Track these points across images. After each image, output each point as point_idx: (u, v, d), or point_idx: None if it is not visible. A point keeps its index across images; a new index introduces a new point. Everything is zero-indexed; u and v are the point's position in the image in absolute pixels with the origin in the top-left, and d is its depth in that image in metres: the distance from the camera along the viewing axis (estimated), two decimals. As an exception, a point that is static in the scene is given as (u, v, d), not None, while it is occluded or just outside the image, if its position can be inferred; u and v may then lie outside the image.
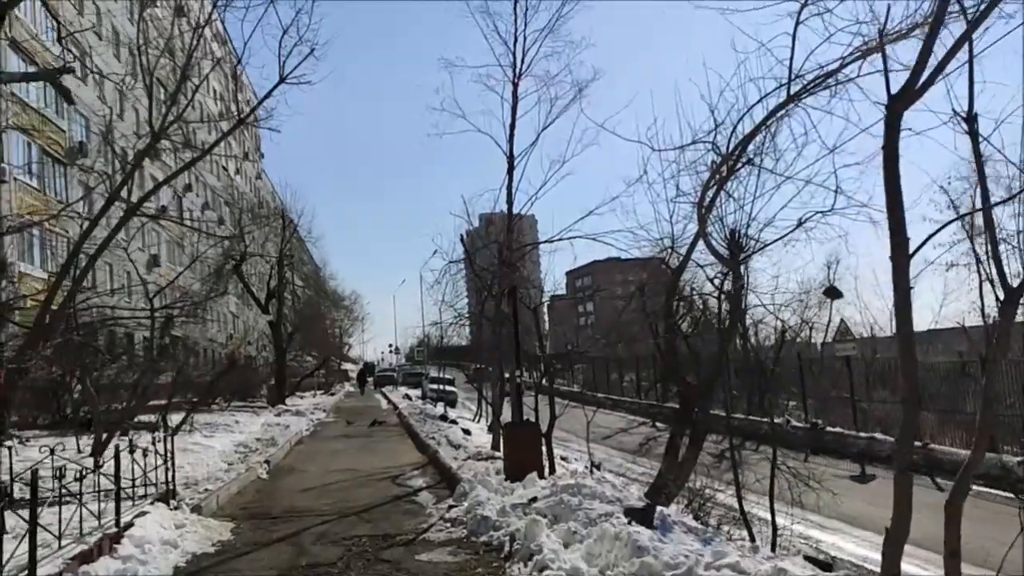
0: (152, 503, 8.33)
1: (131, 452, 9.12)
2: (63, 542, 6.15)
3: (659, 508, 8.11)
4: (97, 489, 7.39)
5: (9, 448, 10.02)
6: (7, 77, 6.45)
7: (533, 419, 14.38)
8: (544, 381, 13.47)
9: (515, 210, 14.98)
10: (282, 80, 16.99)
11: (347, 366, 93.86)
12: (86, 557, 6.11)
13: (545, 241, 14.80)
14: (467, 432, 20.70)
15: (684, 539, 7.59)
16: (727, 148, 13.97)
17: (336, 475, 13.03)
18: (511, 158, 14.98)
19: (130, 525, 7.22)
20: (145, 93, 16.64)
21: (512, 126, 15.04)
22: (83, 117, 33.00)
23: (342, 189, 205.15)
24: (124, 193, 17.10)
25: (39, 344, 14.19)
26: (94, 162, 28.82)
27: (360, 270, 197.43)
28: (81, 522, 6.59)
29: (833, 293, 30.33)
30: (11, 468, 8.65)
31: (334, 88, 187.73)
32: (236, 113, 17.35)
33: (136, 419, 18.23)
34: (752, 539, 10.38)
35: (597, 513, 7.42)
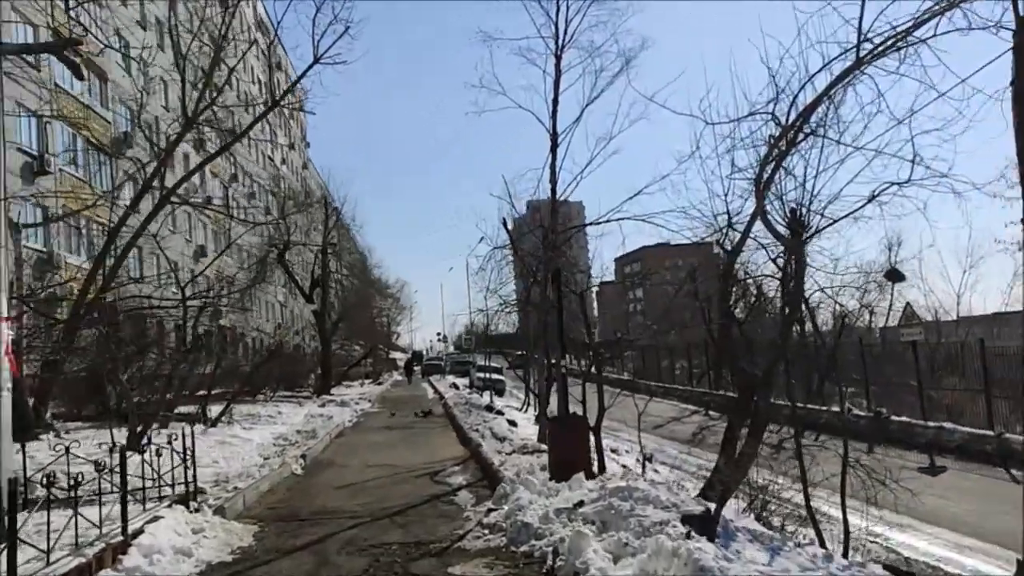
0: (170, 505, 7.76)
1: (150, 450, 8.62)
2: (58, 556, 5.55)
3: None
4: (116, 489, 6.90)
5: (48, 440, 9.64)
6: (5, 48, 5.97)
7: (580, 409, 13.63)
8: (592, 370, 12.64)
9: (559, 191, 14.18)
10: (316, 60, 16.49)
11: (395, 355, 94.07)
12: (82, 572, 5.52)
13: (592, 223, 13.96)
14: (513, 423, 19.99)
15: (750, 551, 6.75)
16: (787, 119, 12.97)
17: (373, 471, 12.42)
18: (554, 135, 14.15)
19: (139, 532, 6.64)
20: (179, 77, 16.29)
21: (555, 101, 14.21)
22: (127, 108, 33.06)
23: (385, 175, 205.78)
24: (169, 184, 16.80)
25: (73, 335, 13.90)
26: (138, 152, 28.82)
27: (407, 258, 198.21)
28: (89, 527, 6.05)
29: (895, 276, 28.97)
30: (24, 466, 8.18)
31: (370, 69, 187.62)
32: (271, 97, 16.76)
33: (176, 411, 18.00)
34: (821, 541, 9.47)
35: (651, 521, 6.61)
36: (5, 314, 8.06)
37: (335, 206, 39.92)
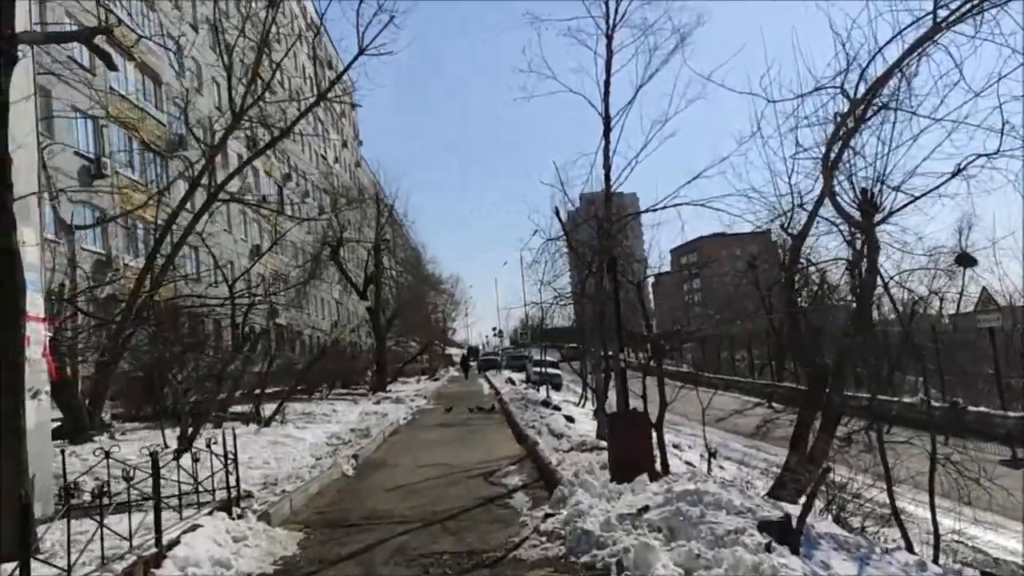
0: (211, 512, 7.39)
1: (192, 453, 8.30)
2: (81, 573, 5.17)
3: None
4: (157, 495, 6.56)
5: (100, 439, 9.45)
6: (28, 36, 5.70)
7: (640, 404, 13.01)
8: (651, 362, 11.98)
9: (613, 176, 13.51)
10: (362, 51, 16.15)
11: (451, 350, 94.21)
12: (109, 589, 5.15)
13: (649, 209, 13.28)
14: (570, 419, 19.41)
15: (837, 561, 6.06)
16: (855, 93, 12.10)
17: (427, 471, 11.98)
18: (607, 119, 13.50)
19: (175, 543, 6.26)
20: (225, 73, 16.12)
21: (607, 83, 13.55)
22: (179, 108, 33.42)
23: (434, 169, 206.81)
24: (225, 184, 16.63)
25: (122, 336, 13.79)
26: (193, 154, 29.04)
27: (460, 253, 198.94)
28: (123, 539, 5.69)
29: (966, 260, 27.46)
30: (64, 471, 7.92)
31: (416, 59, 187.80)
32: (315, 90, 16.46)
33: (230, 410, 17.91)
34: (909, 545, 8.70)
35: (724, 529, 5.98)
36: (43, 314, 7.81)
37: (387, 202, 39.78)
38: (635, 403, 12.95)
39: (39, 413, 7.56)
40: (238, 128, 16.30)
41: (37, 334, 7.59)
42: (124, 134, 28.80)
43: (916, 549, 8.64)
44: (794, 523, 6.21)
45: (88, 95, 22.85)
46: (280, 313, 46.15)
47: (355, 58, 15.98)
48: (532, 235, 30.48)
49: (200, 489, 7.86)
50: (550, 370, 39.37)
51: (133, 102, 28.92)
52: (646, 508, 6.77)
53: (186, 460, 8.72)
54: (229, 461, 7.98)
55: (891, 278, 11.48)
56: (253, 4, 16.68)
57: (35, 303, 7.61)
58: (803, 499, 10.59)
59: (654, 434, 10.05)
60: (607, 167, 13.34)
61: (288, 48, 20.26)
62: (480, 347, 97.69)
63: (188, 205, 15.86)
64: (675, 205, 13.29)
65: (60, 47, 23.88)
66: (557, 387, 36.47)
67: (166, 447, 13.38)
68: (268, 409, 18.72)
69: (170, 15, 32.68)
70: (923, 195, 10.38)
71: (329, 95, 16.73)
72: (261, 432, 15.82)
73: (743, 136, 12.27)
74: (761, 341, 43.46)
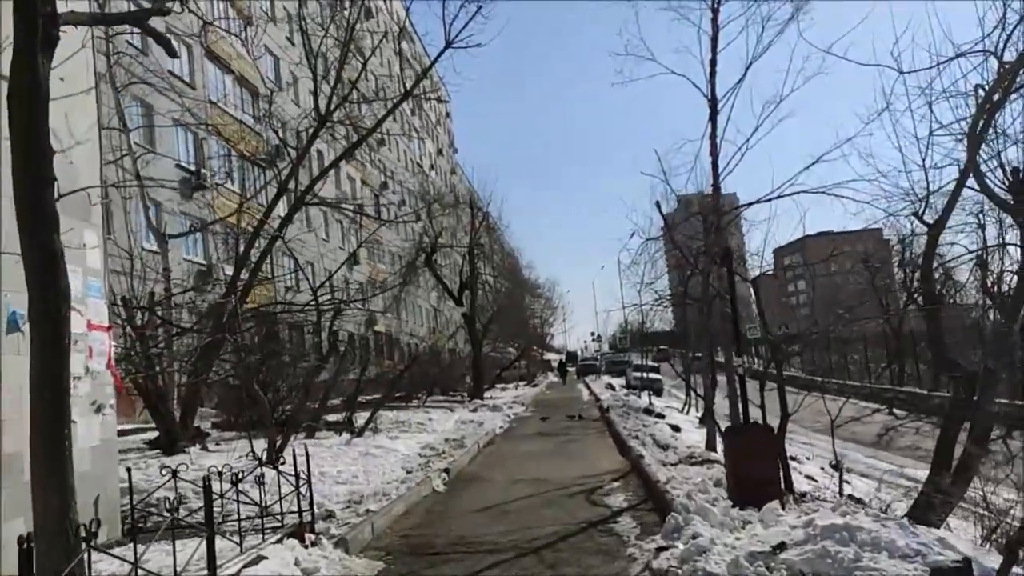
0: (280, 540, 6.66)
1: (266, 471, 7.60)
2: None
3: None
4: (230, 518, 5.91)
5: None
6: (73, 17, 5.22)
7: (756, 414, 11.75)
8: (770, 368, 10.69)
9: (721, 165, 12.25)
10: (448, 44, 15.43)
11: (549, 356, 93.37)
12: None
13: (764, 199, 11.94)
14: (676, 428, 18.16)
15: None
16: (1000, 57, 10.54)
17: (522, 487, 11.04)
18: (713, 100, 12.27)
19: (235, 579, 5.53)
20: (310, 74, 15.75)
21: (712, 62, 12.32)
22: (280, 122, 33.83)
23: (529, 169, 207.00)
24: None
25: (212, 345, 13.44)
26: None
27: (555, 257, 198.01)
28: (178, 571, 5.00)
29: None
30: (131, 490, 7.36)
31: (506, 55, 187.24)
32: (403, 89, 15.88)
33: (322, 420, 17.49)
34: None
35: (887, 577, 4.78)
36: (106, 323, 7.29)
37: (480, 206, 39.28)
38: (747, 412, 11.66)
39: (104, 429, 7.04)
40: (324, 130, 15.83)
41: (101, 344, 7.08)
42: (224, 146, 29.25)
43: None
44: (975, 571, 4.95)
45: (187, 106, 23.14)
46: (378, 320, 46.40)
47: (442, 51, 15.29)
48: (630, 237, 29.25)
49: (269, 513, 7.16)
50: (651, 375, 37.99)
51: (232, 114, 29.33)
52: (782, 546, 5.61)
53: (272, 474, 8.13)
54: (302, 482, 7.23)
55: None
56: (337, 3, 16.24)
57: (99, 311, 7.10)
58: (976, 532, 9.13)
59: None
60: (714, 154, 12.12)
61: (374, 47, 19.79)
62: (578, 352, 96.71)
63: (281, 212, 15.54)
64: (793, 193, 11.91)
65: (158, 59, 24.37)
66: (658, 392, 35.08)
67: (255, 458, 12.98)
68: (362, 418, 18.23)
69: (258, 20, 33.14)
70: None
71: (416, 91, 16.04)
72: (352, 443, 15.27)
73: (869, 114, 10.76)
74: (875, 343, 40.84)
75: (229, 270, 26.33)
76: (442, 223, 38.59)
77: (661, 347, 45.22)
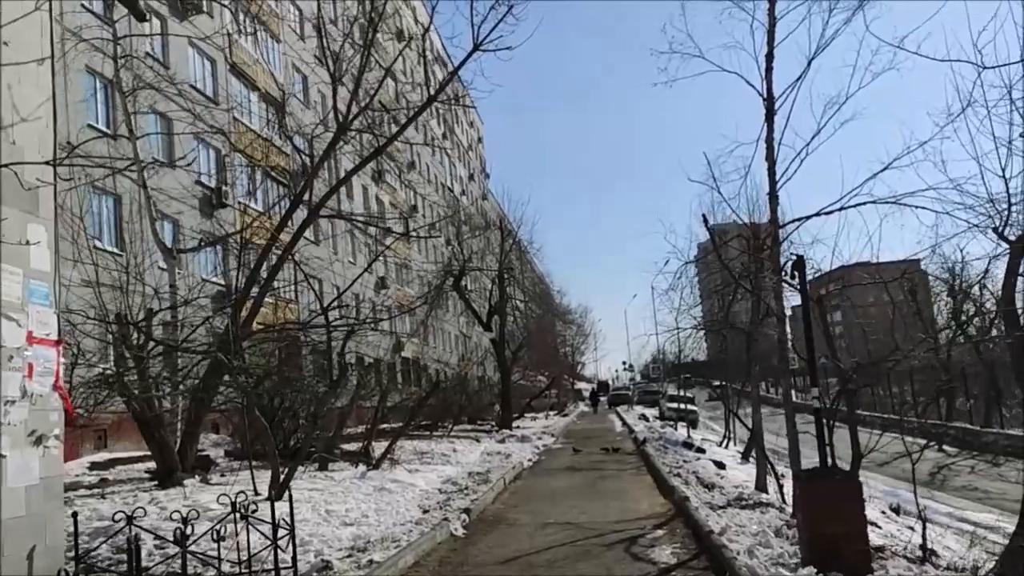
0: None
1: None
2: None
3: None
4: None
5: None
6: None
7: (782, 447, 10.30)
8: (838, 404, 9.22)
9: (779, 170, 10.89)
10: (476, 47, 14.32)
11: (580, 385, 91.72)
12: None
13: (825, 211, 10.52)
14: (720, 465, 16.63)
15: None
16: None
17: (552, 534, 9.65)
18: (769, 99, 10.96)
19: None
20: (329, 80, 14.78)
21: (769, 57, 11.03)
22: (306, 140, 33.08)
23: (560, 194, 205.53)
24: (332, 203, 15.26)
25: (219, 370, 12.29)
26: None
27: (587, 282, 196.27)
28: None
29: None
30: (76, 539, 6.12)
31: (537, 58, 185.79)
32: (428, 92, 14.79)
33: (337, 449, 16.26)
34: None
35: None
36: (55, 336, 6.12)
37: (510, 229, 38.14)
38: (772, 446, 10.18)
39: (46, 465, 5.83)
40: (344, 140, 14.79)
41: (46, 362, 5.90)
42: (247, 163, 28.48)
43: None
44: None
45: (207, 119, 22.35)
46: (404, 346, 45.27)
47: (469, 54, 14.19)
48: (664, 264, 27.91)
49: (252, 570, 5.88)
50: (687, 406, 36.44)
51: (256, 132, 28.59)
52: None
53: (276, 511, 6.90)
54: (282, 532, 5.94)
55: None
56: (358, 8, 15.29)
57: (45, 321, 5.93)
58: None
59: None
60: (770, 159, 10.75)
61: (399, 53, 18.81)
62: (609, 381, 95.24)
63: (286, 223, 14.46)
64: (859, 204, 10.52)
65: (178, 71, 23.69)
66: (693, 424, 33.49)
67: (256, 494, 11.75)
68: (382, 448, 16.94)
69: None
70: None
71: (442, 96, 14.94)
72: (367, 477, 13.97)
73: (944, 115, 9.30)
74: (919, 376, 38.98)
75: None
76: (471, 246, 37.50)
77: (686, 376, 43.60)
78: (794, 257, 7.16)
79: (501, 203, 47.20)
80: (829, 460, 7.49)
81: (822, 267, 11.31)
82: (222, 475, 14.32)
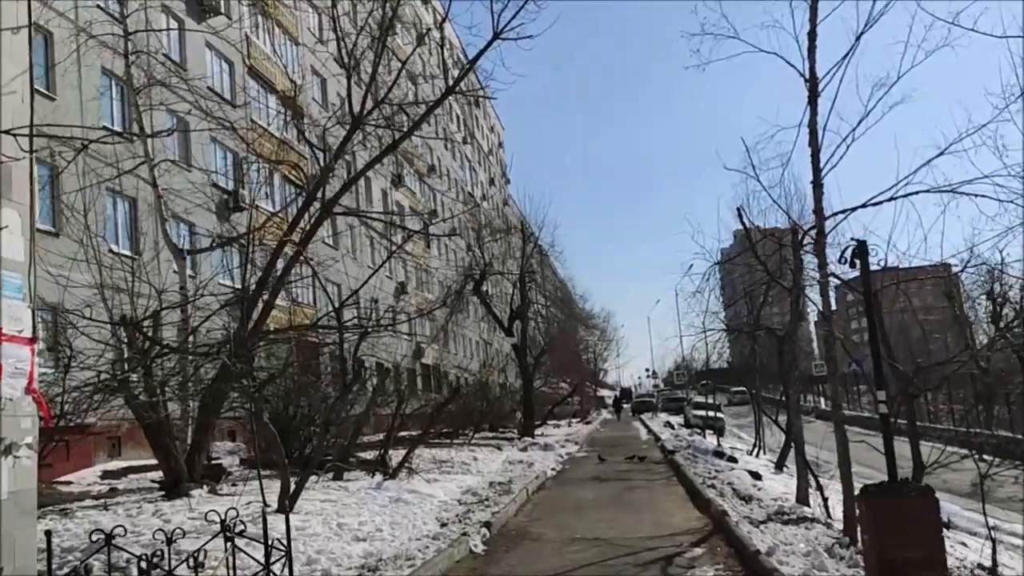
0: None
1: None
2: None
3: None
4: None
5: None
6: None
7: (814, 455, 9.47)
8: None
9: (823, 158, 10.08)
10: (496, 36, 13.68)
11: (603, 392, 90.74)
12: None
13: (871, 202, 9.72)
14: (755, 476, 15.78)
15: None
16: None
17: (579, 551, 8.90)
18: (813, 80, 10.16)
19: None
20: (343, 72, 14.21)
21: (812, 35, 10.23)
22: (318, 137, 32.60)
23: (583, 198, 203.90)
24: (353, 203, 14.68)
25: (228, 374, 11.66)
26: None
27: (609, 289, 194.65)
28: None
29: None
30: (49, 561, 5.49)
31: (558, 50, 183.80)
32: (446, 84, 14.16)
33: (352, 458, 15.59)
34: None
35: None
36: (29, 334, 5.49)
37: (532, 232, 37.44)
38: (816, 456, 9.39)
39: (17, 477, 5.18)
40: (359, 134, 14.18)
41: (18, 361, 5.27)
42: (264, 166, 28.03)
43: None
44: None
45: (223, 121, 21.87)
46: (425, 352, 44.64)
47: (489, 43, 13.54)
48: (689, 268, 27.15)
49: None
50: (713, 414, 35.57)
51: (273, 134, 28.13)
52: None
53: (282, 526, 6.27)
54: (277, 556, 5.26)
55: None
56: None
57: (17, 317, 5.30)
58: None
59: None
60: (814, 144, 9.96)
61: (416, 45, 18.20)
62: (632, 388, 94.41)
63: (298, 221, 13.87)
64: (909, 194, 9.71)
65: (193, 70, 23.25)
66: (720, 432, 32.60)
67: (266, 506, 11.10)
68: (400, 456, 16.26)
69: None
70: None
71: (461, 88, 14.30)
72: (383, 487, 13.27)
73: (1004, 96, 8.46)
74: (958, 383, 37.85)
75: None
76: (492, 250, 36.83)
77: (737, 389, 42.82)
78: (855, 242, 6.38)
79: (522, 206, 46.50)
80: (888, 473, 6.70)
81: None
82: (233, 485, 13.71)
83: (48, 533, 5.30)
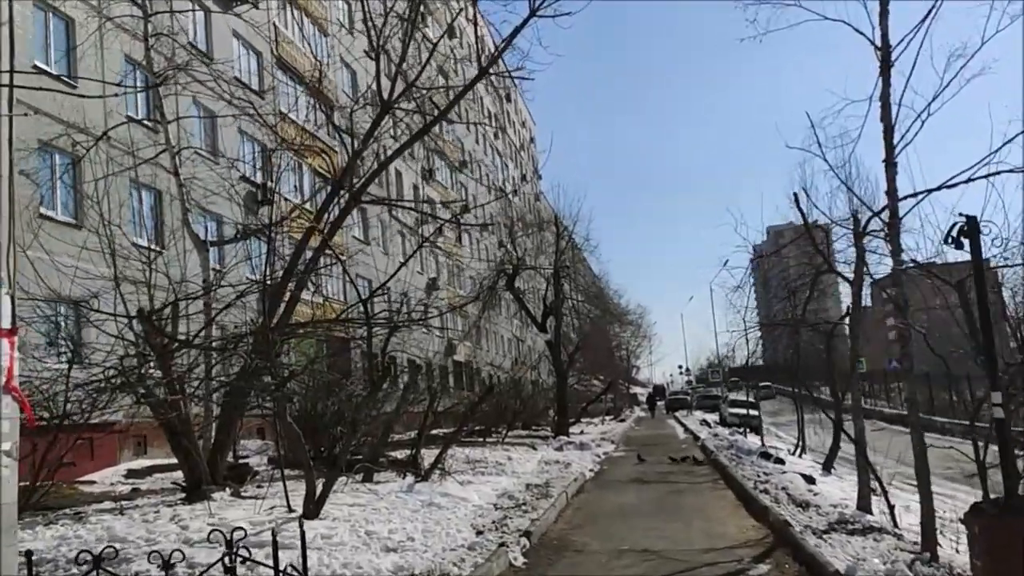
0: None
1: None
2: None
3: None
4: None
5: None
6: None
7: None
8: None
9: (896, 136, 9.12)
10: (533, 13, 12.92)
11: (636, 389, 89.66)
12: None
13: (948, 184, 8.73)
14: (809, 479, 14.80)
15: None
16: None
17: (628, 566, 8.08)
18: (885, 49, 9.21)
19: None
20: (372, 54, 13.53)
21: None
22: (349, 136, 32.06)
23: (619, 192, 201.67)
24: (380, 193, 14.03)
25: (253, 371, 11.02)
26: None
27: (641, 287, 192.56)
28: None
29: None
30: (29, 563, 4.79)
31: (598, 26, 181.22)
32: (479, 65, 13.38)
33: (383, 458, 14.91)
34: None
35: None
36: (7, 325, 4.80)
37: (565, 225, 36.58)
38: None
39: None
40: (389, 116, 13.48)
41: (-5, 355, 4.59)
42: (293, 160, 27.56)
43: None
44: None
45: (250, 112, 21.36)
46: (457, 349, 44.00)
47: (525, 21, 12.77)
48: (722, 266, 26.08)
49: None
50: (750, 411, 34.46)
51: (302, 125, 27.62)
52: None
53: (310, 532, 5.55)
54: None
55: None
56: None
57: (-6, 305, 4.63)
58: None
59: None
60: (886, 119, 9.00)
61: (449, 24, 17.48)
62: (666, 386, 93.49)
63: (325, 211, 13.23)
64: (990, 175, 8.71)
65: (222, 63, 22.74)
66: (756, 430, 31.53)
67: (290, 511, 10.43)
68: (432, 456, 15.54)
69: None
70: None
71: (492, 69, 13.53)
72: (415, 489, 12.55)
73: None
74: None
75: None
76: (524, 245, 36.05)
77: (763, 384, 41.75)
78: (963, 217, 5.47)
79: (555, 199, 45.62)
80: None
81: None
82: (258, 487, 13.05)
83: (28, 554, 4.60)
